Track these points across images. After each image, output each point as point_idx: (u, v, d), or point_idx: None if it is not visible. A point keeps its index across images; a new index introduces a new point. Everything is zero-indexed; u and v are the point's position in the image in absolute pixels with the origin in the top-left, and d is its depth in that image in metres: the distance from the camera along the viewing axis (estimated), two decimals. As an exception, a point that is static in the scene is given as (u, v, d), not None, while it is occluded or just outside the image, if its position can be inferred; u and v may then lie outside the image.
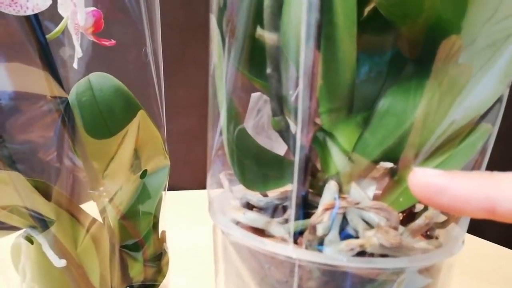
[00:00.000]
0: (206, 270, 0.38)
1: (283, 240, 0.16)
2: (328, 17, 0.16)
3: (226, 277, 0.18)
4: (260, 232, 0.17)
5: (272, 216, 0.18)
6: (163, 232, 0.31)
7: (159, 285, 0.31)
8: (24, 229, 0.26)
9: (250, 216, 0.16)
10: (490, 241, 0.48)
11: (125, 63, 0.27)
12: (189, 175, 0.41)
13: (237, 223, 0.17)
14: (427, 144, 0.16)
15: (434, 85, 0.16)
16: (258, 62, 0.18)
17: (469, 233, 0.47)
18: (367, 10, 0.18)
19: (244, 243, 0.16)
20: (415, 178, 0.13)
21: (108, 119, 0.26)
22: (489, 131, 0.17)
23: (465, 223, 0.17)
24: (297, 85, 0.18)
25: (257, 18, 0.17)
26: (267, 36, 0.16)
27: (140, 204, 0.28)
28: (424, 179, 0.12)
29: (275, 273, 0.15)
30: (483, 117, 0.17)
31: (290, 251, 0.14)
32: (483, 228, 0.48)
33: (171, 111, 0.33)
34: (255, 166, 0.18)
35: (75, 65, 0.25)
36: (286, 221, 0.17)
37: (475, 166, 0.17)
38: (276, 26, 0.16)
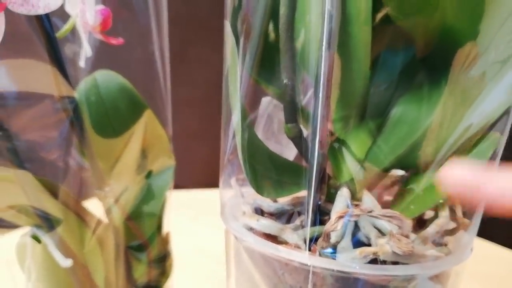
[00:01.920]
0: (206, 270, 0.39)
1: (297, 246, 0.16)
2: (343, 27, 0.16)
3: (237, 281, 0.19)
4: (272, 238, 0.18)
5: (284, 221, 0.19)
6: (168, 233, 0.31)
7: (162, 286, 0.32)
8: (29, 229, 0.26)
9: (263, 223, 0.17)
10: (500, 245, 0.48)
11: (131, 61, 0.28)
12: (189, 174, 0.42)
13: (250, 229, 0.18)
14: (439, 153, 0.17)
15: (447, 94, 0.17)
16: (272, 69, 0.18)
17: (478, 236, 0.48)
18: (379, 16, 0.18)
19: (258, 250, 0.17)
20: (449, 171, 0.13)
21: (113, 118, 0.26)
22: (498, 139, 0.18)
23: (473, 231, 0.18)
24: (311, 93, 0.19)
25: (272, 17, 0.18)
26: (282, 44, 0.17)
27: (145, 205, 0.29)
28: (458, 174, 0.13)
29: (288, 279, 0.16)
30: (492, 126, 0.18)
31: (305, 258, 0.15)
32: (492, 232, 0.49)
33: (172, 110, 0.33)
34: (269, 172, 0.18)
35: (82, 64, 0.25)
36: (299, 227, 0.18)
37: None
38: (291, 35, 0.17)
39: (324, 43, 0.15)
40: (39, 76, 0.23)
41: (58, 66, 0.23)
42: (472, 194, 0.12)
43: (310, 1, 0.16)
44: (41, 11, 0.20)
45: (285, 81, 0.16)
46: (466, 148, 0.17)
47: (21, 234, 0.27)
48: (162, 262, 0.31)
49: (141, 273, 0.31)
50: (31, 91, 0.23)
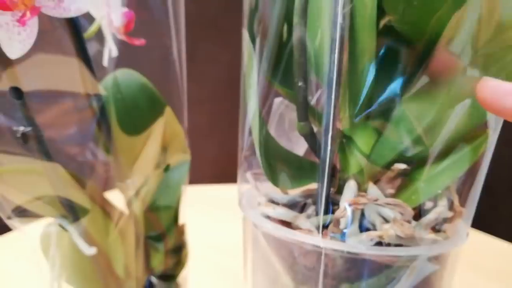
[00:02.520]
0: (214, 262, 0.42)
1: (310, 231, 0.18)
2: (350, 34, 0.18)
3: (254, 264, 0.21)
4: (287, 224, 0.20)
5: (296, 211, 0.21)
6: (183, 224, 0.33)
7: (178, 276, 0.34)
8: (53, 219, 0.28)
9: (279, 211, 0.19)
10: (502, 239, 0.49)
11: (150, 60, 0.30)
12: (197, 170, 0.44)
13: (267, 217, 0.20)
14: (437, 148, 0.19)
15: (444, 94, 0.19)
16: (286, 72, 0.20)
17: (481, 231, 0.49)
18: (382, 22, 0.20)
19: (275, 234, 0.19)
20: (486, 83, 0.16)
21: (134, 116, 0.28)
22: (491, 136, 0.20)
23: (469, 218, 0.20)
24: (320, 92, 0.21)
25: (286, 18, 0.20)
26: (295, 50, 0.19)
27: (163, 197, 0.31)
28: (493, 83, 0.16)
29: (303, 261, 0.18)
30: (486, 123, 0.20)
31: (318, 241, 0.17)
32: (494, 225, 0.51)
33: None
34: (283, 166, 0.21)
35: (105, 63, 0.27)
36: (311, 215, 0.20)
37: (478, 167, 0.19)
38: (304, 42, 0.19)
39: (336, 49, 0.17)
40: (68, 74, 0.25)
41: (86, 64, 0.25)
42: (504, 102, 0.15)
43: (321, 16, 0.18)
44: (72, 14, 0.22)
45: (299, 84, 0.18)
46: (462, 144, 0.19)
47: (45, 224, 0.29)
48: (178, 252, 0.34)
49: (159, 262, 0.33)
50: (59, 88, 0.25)
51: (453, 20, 0.18)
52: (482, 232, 0.49)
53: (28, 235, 0.29)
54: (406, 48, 0.20)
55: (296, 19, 0.19)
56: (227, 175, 0.56)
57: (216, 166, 0.59)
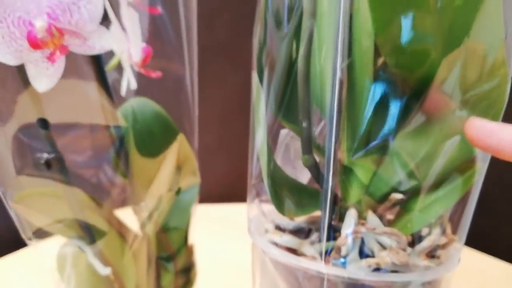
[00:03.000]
0: (220, 279, 0.43)
1: (313, 258, 0.20)
2: (349, 75, 0.20)
3: (262, 287, 0.23)
4: (293, 251, 0.21)
5: (301, 237, 0.23)
6: (192, 245, 0.35)
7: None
8: (70, 240, 0.30)
9: (286, 239, 0.21)
10: (502, 260, 0.49)
11: (164, 89, 0.32)
12: (206, 190, 0.45)
13: (274, 243, 0.22)
14: (429, 180, 0.20)
15: (436, 131, 0.21)
16: (289, 109, 0.22)
17: (481, 251, 0.50)
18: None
19: (282, 260, 0.20)
20: (473, 123, 0.18)
21: (148, 142, 0.30)
22: (481, 168, 0.21)
23: (460, 245, 0.22)
24: (323, 124, 0.23)
25: (291, 68, 0.22)
26: (300, 92, 0.21)
27: (174, 219, 0.33)
28: (480, 123, 0.18)
29: (307, 285, 0.20)
30: (475, 157, 0.22)
31: (321, 267, 0.19)
32: (496, 247, 0.51)
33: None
34: (289, 195, 0.22)
35: (123, 92, 0.29)
36: (315, 242, 0.21)
37: (468, 197, 0.21)
38: (308, 85, 0.21)
39: (336, 90, 0.19)
40: (89, 105, 0.28)
41: (106, 95, 0.27)
42: (488, 140, 0.17)
43: (323, 71, 0.20)
44: (97, 51, 0.24)
45: (303, 124, 0.20)
46: (453, 176, 0.21)
47: (60, 245, 0.31)
48: (187, 272, 0.35)
49: (168, 281, 0.35)
50: (81, 120, 0.27)
51: (444, 64, 0.20)
52: (483, 253, 0.50)
53: (42, 253, 0.31)
54: (400, 89, 0.22)
55: (300, 65, 0.21)
56: (233, 194, 0.58)
57: (222, 185, 0.60)
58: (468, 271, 0.45)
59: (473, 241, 0.51)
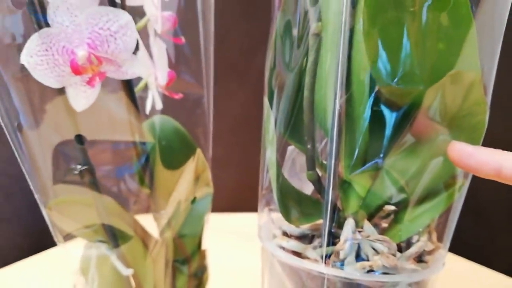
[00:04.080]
0: (228, 285, 0.46)
1: (316, 260, 0.24)
2: (348, 104, 0.24)
3: (270, 286, 0.26)
4: (298, 254, 0.25)
5: (305, 242, 0.26)
6: (205, 250, 0.39)
7: (199, 296, 0.39)
8: (95, 243, 0.34)
9: (292, 244, 0.25)
10: (498, 272, 0.51)
11: (184, 106, 0.36)
12: (216, 200, 0.48)
13: (281, 247, 0.25)
14: (417, 195, 0.24)
15: (424, 150, 0.24)
16: (297, 132, 0.26)
17: (478, 263, 0.52)
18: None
19: (288, 262, 0.24)
20: (454, 147, 0.21)
21: (168, 156, 0.34)
22: (463, 184, 0.25)
23: (445, 251, 0.25)
24: (325, 142, 0.26)
25: (298, 94, 0.25)
26: (305, 117, 0.24)
27: (190, 225, 0.36)
28: (460, 147, 0.21)
29: (310, 284, 0.23)
30: (457, 174, 0.25)
31: (322, 268, 0.23)
32: (492, 259, 0.54)
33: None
34: (295, 205, 0.26)
35: (147, 111, 0.33)
36: (317, 247, 0.25)
37: (451, 209, 0.25)
38: (312, 111, 0.24)
39: (336, 115, 0.23)
40: (120, 123, 0.31)
41: (135, 113, 0.31)
42: (468, 161, 0.20)
43: (326, 99, 0.23)
44: (129, 77, 0.28)
45: (308, 146, 0.24)
46: (438, 191, 0.24)
47: (84, 247, 0.34)
48: (200, 274, 0.39)
49: (183, 283, 0.38)
50: (112, 138, 0.31)
51: (428, 94, 0.23)
52: (480, 265, 0.52)
53: (70, 255, 0.34)
54: (393, 109, 0.25)
55: (306, 93, 0.24)
56: (241, 204, 0.61)
57: (231, 196, 0.64)
58: (465, 282, 0.47)
59: (470, 253, 0.53)
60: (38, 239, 0.57)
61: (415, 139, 0.24)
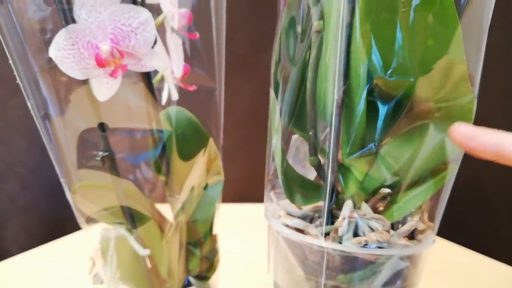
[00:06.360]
0: (234, 272, 0.49)
1: (317, 236, 0.27)
2: (346, 95, 0.27)
3: (275, 260, 0.30)
4: (300, 231, 0.28)
5: (307, 222, 0.29)
6: (216, 234, 0.42)
7: (210, 277, 0.43)
8: (114, 226, 0.37)
9: (295, 222, 0.28)
10: (502, 262, 0.52)
11: (197, 98, 0.39)
12: (224, 191, 0.51)
13: (286, 225, 0.28)
14: (410, 179, 0.27)
15: (419, 138, 0.27)
16: (301, 121, 0.29)
17: (482, 253, 0.54)
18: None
19: (292, 238, 0.27)
20: (457, 128, 0.21)
21: (182, 145, 0.37)
22: (453, 169, 0.27)
23: (435, 230, 0.28)
24: (326, 131, 0.29)
25: (301, 85, 0.29)
26: (308, 105, 0.27)
27: (202, 210, 0.39)
28: (462, 129, 0.21)
29: (311, 257, 0.27)
30: (448, 159, 0.28)
31: (322, 243, 0.26)
32: (496, 249, 0.55)
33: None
34: (299, 188, 0.29)
35: (163, 102, 0.36)
36: (318, 225, 0.28)
37: (441, 192, 0.27)
38: (314, 99, 0.27)
39: (336, 108, 0.26)
40: (138, 113, 0.35)
41: (153, 103, 0.34)
42: (469, 142, 0.21)
43: (326, 91, 0.26)
44: (148, 69, 0.31)
45: (310, 133, 0.27)
46: (430, 176, 0.27)
47: (102, 230, 0.37)
48: (211, 257, 0.42)
49: (195, 265, 0.41)
50: (132, 125, 0.34)
51: (419, 83, 0.26)
52: (484, 256, 0.53)
53: (91, 237, 0.37)
54: (388, 99, 0.28)
55: (308, 85, 0.27)
56: (249, 195, 0.64)
57: (239, 186, 0.67)
58: (469, 273, 0.49)
59: (474, 244, 0.56)
60: (54, 227, 0.61)
61: (408, 128, 0.27)
